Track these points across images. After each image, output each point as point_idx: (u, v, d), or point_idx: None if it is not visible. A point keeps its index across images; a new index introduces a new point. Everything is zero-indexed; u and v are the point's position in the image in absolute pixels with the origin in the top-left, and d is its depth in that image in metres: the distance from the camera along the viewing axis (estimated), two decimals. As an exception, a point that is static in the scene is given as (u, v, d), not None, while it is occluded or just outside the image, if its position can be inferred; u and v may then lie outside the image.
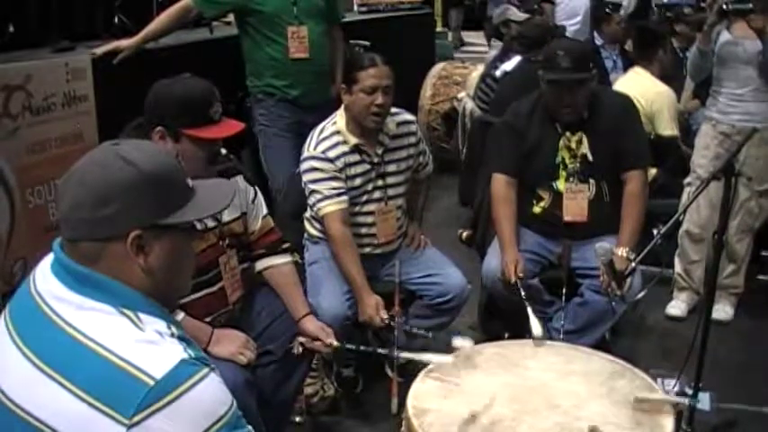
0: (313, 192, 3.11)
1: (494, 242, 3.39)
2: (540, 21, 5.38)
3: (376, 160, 3.19)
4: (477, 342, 2.58)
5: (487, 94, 4.99)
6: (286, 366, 2.69)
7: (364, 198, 3.21)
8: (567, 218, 3.33)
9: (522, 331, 3.13)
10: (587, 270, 3.22)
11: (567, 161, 3.32)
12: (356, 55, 3.28)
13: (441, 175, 5.16)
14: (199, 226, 2.35)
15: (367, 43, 5.65)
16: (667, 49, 4.85)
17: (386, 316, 2.98)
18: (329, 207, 3.08)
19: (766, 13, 3.66)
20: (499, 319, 3.65)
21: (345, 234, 3.10)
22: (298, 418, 3.14)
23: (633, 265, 2.84)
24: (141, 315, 1.41)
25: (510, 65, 4.84)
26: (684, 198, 4.08)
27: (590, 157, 3.30)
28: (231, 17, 4.41)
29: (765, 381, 3.50)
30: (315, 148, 3.12)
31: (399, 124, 3.25)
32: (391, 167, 3.24)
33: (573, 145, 3.31)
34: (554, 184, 3.34)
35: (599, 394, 2.19)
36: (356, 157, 3.15)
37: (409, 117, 3.35)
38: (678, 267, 4.24)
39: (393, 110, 3.21)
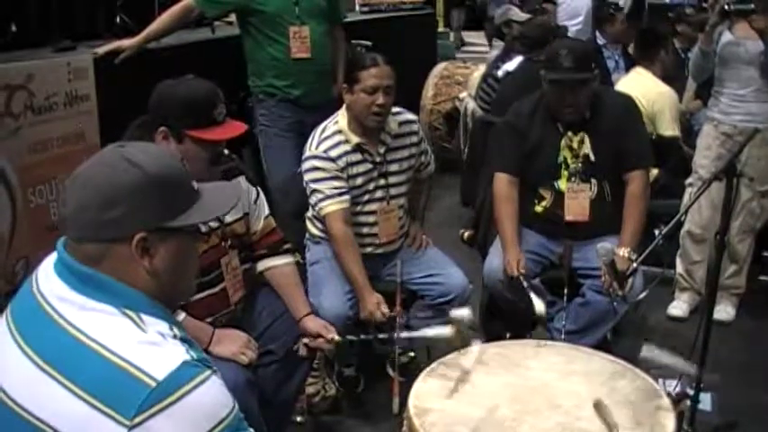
0: (315, 191, 3.11)
1: (495, 242, 3.39)
2: (542, 21, 5.37)
3: (378, 159, 3.19)
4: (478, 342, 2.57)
5: (489, 94, 4.99)
6: (287, 366, 2.69)
7: (366, 197, 3.21)
8: (568, 217, 3.33)
9: (523, 331, 3.14)
10: (589, 270, 3.22)
11: (569, 161, 3.32)
12: (358, 55, 3.29)
13: (442, 174, 5.16)
14: (203, 228, 2.36)
15: (369, 43, 5.66)
16: (669, 50, 4.86)
17: (387, 311, 2.98)
18: (331, 207, 3.09)
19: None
20: (500, 319, 3.64)
21: (347, 234, 3.10)
22: (299, 418, 3.14)
23: (635, 265, 2.84)
24: (143, 316, 1.41)
25: (512, 65, 4.84)
26: (686, 198, 4.08)
27: (592, 157, 3.30)
28: (233, 17, 4.41)
29: (767, 381, 3.50)
30: (317, 148, 3.13)
31: (401, 124, 3.25)
32: (393, 167, 3.24)
33: (575, 145, 3.31)
34: (556, 184, 3.34)
35: (600, 394, 2.19)
36: (358, 157, 3.15)
37: (411, 117, 3.35)
38: (680, 268, 4.24)
39: (395, 109, 3.21)
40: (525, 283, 3.05)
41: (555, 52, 3.27)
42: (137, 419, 1.30)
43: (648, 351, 2.38)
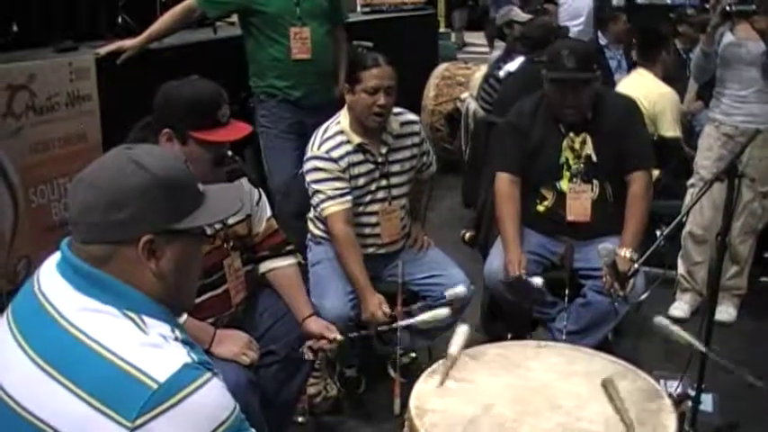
0: (316, 192, 3.11)
1: (496, 243, 3.39)
2: (543, 21, 5.37)
3: (380, 160, 3.19)
4: (479, 343, 2.58)
5: (490, 94, 4.99)
6: (289, 367, 2.69)
7: (368, 198, 3.21)
8: (570, 218, 3.33)
9: (524, 332, 3.14)
10: (590, 271, 3.22)
11: (571, 161, 3.32)
12: (359, 55, 3.28)
13: (444, 175, 5.17)
14: (209, 230, 2.36)
15: (370, 44, 5.65)
16: (670, 51, 4.86)
17: (388, 310, 2.99)
18: (333, 207, 3.09)
19: (769, 14, 3.66)
20: (501, 320, 3.65)
21: (349, 234, 3.11)
22: (300, 419, 3.14)
23: (636, 266, 2.84)
24: (145, 318, 1.41)
25: (513, 65, 4.84)
26: (687, 199, 4.08)
27: (594, 158, 3.30)
28: (235, 17, 4.42)
29: (768, 382, 3.50)
30: (318, 148, 3.13)
31: (403, 124, 3.25)
32: (395, 167, 3.24)
33: (577, 146, 3.31)
34: (557, 184, 3.34)
35: (601, 395, 2.19)
36: (360, 157, 3.15)
37: (413, 117, 3.35)
38: (681, 269, 4.24)
39: (396, 110, 3.21)
40: (525, 276, 3.05)
41: (557, 52, 3.27)
42: (138, 421, 1.30)
43: (660, 322, 2.39)
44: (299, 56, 4.15)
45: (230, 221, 2.58)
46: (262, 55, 4.19)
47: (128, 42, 3.97)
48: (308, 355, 2.69)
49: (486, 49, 9.24)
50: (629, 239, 3.19)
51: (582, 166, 3.31)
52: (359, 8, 7.54)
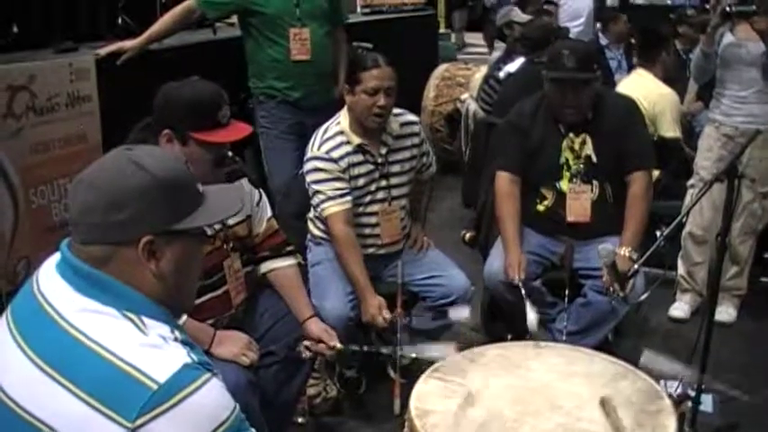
0: (316, 192, 3.11)
1: (496, 244, 3.40)
2: (543, 22, 5.38)
3: (380, 160, 3.19)
4: (479, 343, 2.58)
5: (490, 95, 4.99)
6: (289, 367, 2.69)
7: (368, 198, 3.21)
8: (570, 218, 3.34)
9: (524, 333, 3.14)
10: (590, 271, 3.22)
11: (571, 162, 3.32)
12: (359, 55, 3.28)
13: (444, 176, 5.17)
14: (209, 231, 2.36)
15: (370, 45, 5.65)
16: (670, 51, 4.86)
17: (388, 316, 2.99)
18: (333, 208, 3.09)
19: (769, 14, 3.66)
20: (501, 320, 3.65)
21: (349, 235, 3.11)
22: (300, 419, 3.14)
23: (636, 266, 2.84)
24: (145, 319, 1.42)
25: (513, 66, 4.84)
26: (687, 200, 4.08)
27: (594, 159, 3.30)
28: (235, 18, 4.42)
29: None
30: (319, 149, 3.13)
31: (403, 125, 3.25)
32: (395, 168, 3.25)
33: (576, 146, 3.31)
34: (557, 185, 3.34)
35: (601, 396, 2.19)
36: (360, 158, 3.15)
37: (413, 118, 3.35)
38: (681, 269, 4.24)
39: (396, 110, 3.21)
40: (524, 291, 3.04)
41: (557, 52, 3.27)
42: (138, 422, 1.30)
43: (648, 357, 2.38)
44: (299, 57, 4.15)
45: (230, 222, 2.58)
46: (261, 56, 4.19)
47: (128, 43, 3.97)
48: (305, 354, 2.69)
49: (487, 50, 9.26)
50: (628, 240, 3.19)
51: (582, 166, 3.31)
52: (359, 9, 7.54)
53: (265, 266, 2.79)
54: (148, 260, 1.43)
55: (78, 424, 1.32)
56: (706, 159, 4.04)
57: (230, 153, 2.56)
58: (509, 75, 4.84)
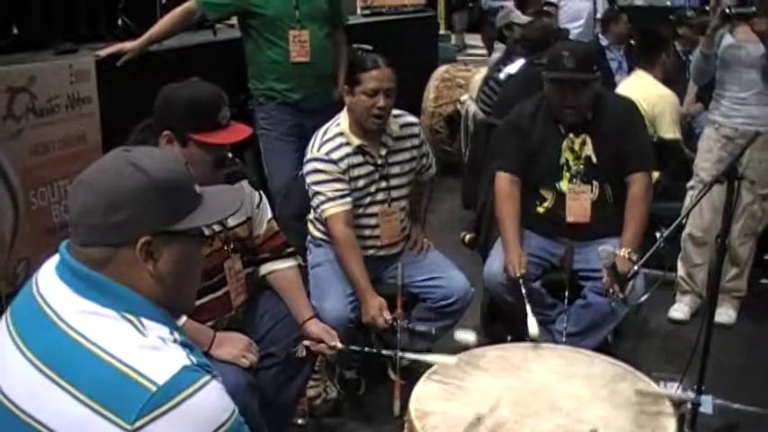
0: (316, 194, 3.11)
1: (496, 245, 3.40)
2: (543, 23, 5.38)
3: (379, 162, 3.19)
4: (479, 345, 2.58)
5: (490, 96, 5.00)
6: (288, 369, 2.69)
7: (368, 200, 3.21)
8: (569, 219, 3.34)
9: (524, 334, 3.14)
10: (590, 272, 3.22)
11: (571, 162, 3.32)
12: (359, 57, 3.28)
13: (443, 177, 5.17)
14: (207, 232, 2.36)
15: (369, 47, 5.66)
16: (670, 53, 4.86)
17: (389, 317, 2.99)
18: (333, 209, 3.09)
19: (769, 16, 3.67)
20: (501, 321, 3.65)
21: (349, 236, 3.11)
22: (300, 421, 3.14)
23: (636, 268, 2.84)
24: (144, 320, 1.42)
25: (513, 67, 4.84)
26: (687, 201, 4.08)
27: (594, 159, 3.31)
28: (235, 20, 4.42)
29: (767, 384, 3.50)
30: (318, 150, 3.13)
31: (402, 126, 3.25)
32: (395, 169, 3.25)
33: (576, 147, 3.31)
34: (557, 185, 3.35)
35: (601, 397, 2.19)
36: (360, 159, 3.15)
37: (412, 119, 3.36)
38: (681, 271, 4.24)
39: (396, 112, 3.22)
40: (524, 290, 3.04)
41: (557, 53, 3.28)
42: (137, 424, 1.30)
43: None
44: (298, 59, 4.15)
45: (231, 224, 2.58)
46: (261, 57, 4.20)
47: (127, 45, 3.97)
48: (303, 353, 2.69)
49: (486, 52, 9.26)
50: (628, 239, 3.19)
51: (582, 166, 3.32)
52: (359, 10, 7.54)
53: (265, 268, 2.79)
54: (146, 261, 1.43)
55: (77, 426, 1.32)
56: (706, 161, 4.04)
57: (230, 155, 2.56)
58: (509, 76, 4.85)
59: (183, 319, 2.33)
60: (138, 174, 1.43)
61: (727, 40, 3.89)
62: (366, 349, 2.89)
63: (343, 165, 3.11)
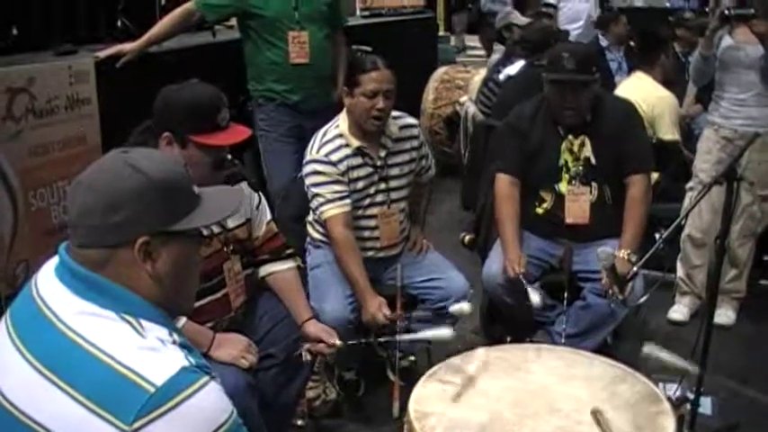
0: (316, 195, 3.11)
1: (495, 246, 3.40)
2: (543, 25, 5.38)
3: (379, 163, 3.20)
4: (479, 346, 2.58)
5: (489, 98, 5.00)
6: (288, 370, 2.69)
7: (367, 201, 3.21)
8: (568, 220, 3.34)
9: (523, 335, 3.15)
10: (589, 273, 3.22)
11: (570, 164, 3.33)
12: (358, 58, 3.29)
13: (443, 178, 5.17)
14: (205, 232, 2.36)
15: (369, 48, 5.66)
16: (669, 54, 4.86)
17: (389, 313, 2.99)
18: (332, 210, 3.09)
19: (768, 17, 3.67)
20: (501, 322, 3.65)
21: (348, 237, 3.11)
22: (299, 422, 3.14)
23: (635, 269, 2.84)
24: (143, 322, 1.42)
25: (513, 69, 4.85)
26: (686, 202, 4.08)
27: (593, 161, 3.31)
28: (234, 21, 4.42)
29: (767, 385, 3.50)
30: (318, 152, 3.13)
31: (402, 128, 3.25)
32: (394, 171, 3.25)
33: (575, 148, 3.31)
34: (556, 187, 3.35)
35: (600, 399, 2.19)
36: (359, 161, 3.15)
37: (412, 121, 3.36)
38: (680, 272, 4.24)
39: (395, 113, 3.22)
40: (524, 282, 3.05)
41: (557, 54, 3.29)
42: (136, 425, 1.30)
43: (650, 349, 2.38)
44: (298, 60, 4.15)
45: (230, 225, 2.58)
46: (260, 59, 4.20)
47: (127, 46, 3.97)
48: (307, 358, 2.69)
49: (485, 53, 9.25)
50: (628, 240, 3.19)
51: (581, 168, 3.32)
52: (358, 12, 7.54)
53: (265, 269, 2.79)
54: (145, 261, 1.44)
55: (76, 427, 1.32)
56: (705, 162, 4.05)
57: (229, 156, 2.56)
58: (509, 77, 4.85)
59: (183, 320, 2.33)
60: (137, 175, 1.43)
61: (727, 41, 3.90)
62: (364, 341, 2.90)
63: (342, 166, 3.11)
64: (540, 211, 3.41)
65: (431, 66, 7.31)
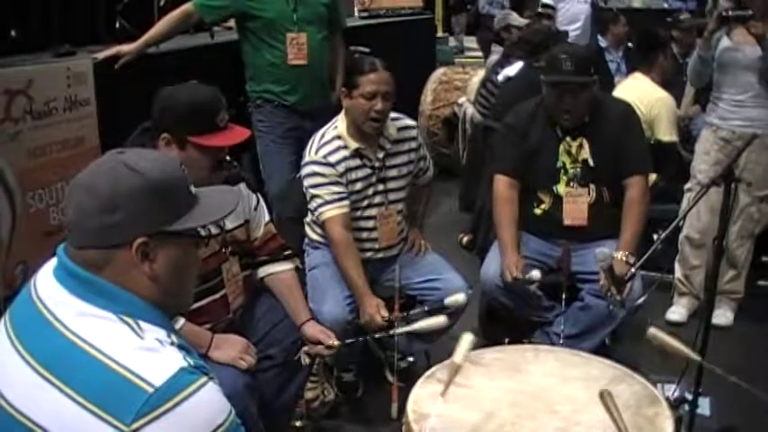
0: (314, 196, 3.11)
1: (493, 247, 3.40)
2: (542, 26, 5.38)
3: (377, 165, 3.20)
4: (477, 347, 2.58)
5: (488, 99, 5.00)
6: (286, 371, 2.69)
7: (365, 203, 3.21)
8: (567, 221, 3.35)
9: (521, 336, 3.15)
10: (587, 275, 3.23)
11: (568, 166, 3.33)
12: (357, 60, 3.29)
13: (441, 180, 5.16)
14: (203, 233, 2.36)
15: (367, 49, 5.66)
16: (668, 55, 4.87)
17: (386, 314, 2.99)
18: (330, 212, 3.09)
19: (766, 19, 3.67)
20: (499, 324, 3.65)
21: (347, 238, 3.11)
22: (298, 423, 3.14)
23: (633, 270, 2.85)
24: (142, 323, 1.42)
25: (512, 70, 4.84)
26: (684, 203, 4.08)
27: (591, 162, 3.31)
28: (232, 22, 4.42)
29: (766, 386, 3.50)
30: (316, 153, 3.13)
31: (400, 129, 3.25)
32: (392, 172, 3.25)
33: (573, 150, 3.32)
34: (555, 188, 3.36)
35: (599, 399, 2.19)
36: (357, 162, 3.15)
37: (410, 122, 3.36)
38: (678, 273, 4.24)
39: (394, 115, 3.22)
40: (523, 287, 3.06)
41: (556, 56, 3.29)
42: (135, 425, 1.31)
43: (654, 332, 2.38)
44: (296, 61, 4.15)
45: (228, 226, 2.58)
46: (258, 60, 4.20)
47: (125, 47, 3.97)
48: (306, 361, 2.70)
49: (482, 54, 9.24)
50: (626, 243, 3.19)
51: (579, 170, 3.32)
52: (356, 13, 7.54)
53: (263, 271, 2.79)
54: (142, 262, 1.44)
55: (75, 428, 1.32)
56: (703, 163, 4.05)
57: (228, 157, 2.56)
58: (508, 78, 4.85)
59: (181, 321, 2.34)
60: (134, 175, 1.43)
61: (725, 42, 3.90)
62: (361, 338, 2.90)
63: (340, 168, 3.11)
64: (538, 212, 3.41)
65: (429, 67, 7.32)
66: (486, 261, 3.38)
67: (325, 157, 3.11)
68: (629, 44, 6.28)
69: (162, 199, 1.45)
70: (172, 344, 1.43)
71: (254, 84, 4.27)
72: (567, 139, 3.32)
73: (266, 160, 4.30)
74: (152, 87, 2.46)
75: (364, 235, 3.25)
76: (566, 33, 6.14)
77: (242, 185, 2.65)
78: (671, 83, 4.80)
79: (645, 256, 2.76)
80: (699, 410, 2.69)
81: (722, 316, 4.09)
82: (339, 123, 3.19)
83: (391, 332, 2.87)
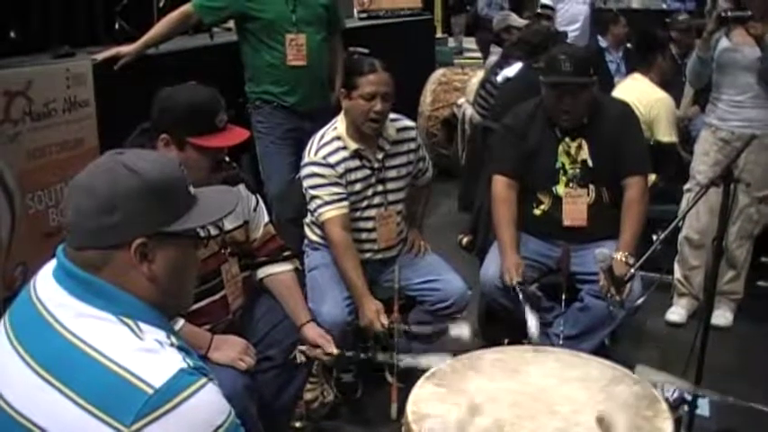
0: (314, 197, 3.11)
1: (492, 248, 3.40)
2: (541, 26, 5.39)
3: (376, 166, 3.20)
4: (477, 347, 2.58)
5: (487, 100, 5.00)
6: (286, 372, 2.69)
7: (364, 203, 3.21)
8: (566, 222, 3.35)
9: (521, 337, 3.14)
10: (587, 275, 3.22)
11: (567, 166, 3.33)
12: (356, 61, 3.29)
13: (440, 180, 5.16)
14: (202, 233, 2.36)
15: (366, 50, 5.66)
16: (667, 56, 4.87)
17: (386, 321, 2.98)
18: (330, 212, 3.09)
19: (765, 20, 3.68)
20: (498, 324, 3.65)
21: (346, 239, 3.11)
22: (298, 424, 3.14)
23: (633, 270, 2.85)
24: (141, 324, 1.42)
25: (511, 71, 4.85)
26: (684, 204, 4.08)
27: (590, 163, 3.31)
28: (232, 23, 4.42)
29: (765, 386, 3.50)
30: (315, 154, 3.13)
31: (399, 130, 3.26)
32: (391, 173, 3.25)
33: (572, 151, 3.32)
34: (554, 189, 3.36)
35: (598, 400, 2.19)
36: (356, 163, 3.15)
37: (409, 123, 3.36)
38: (678, 273, 4.24)
39: (393, 116, 3.22)
40: (521, 296, 3.05)
41: (555, 56, 3.29)
42: (134, 426, 1.31)
43: (642, 370, 2.37)
44: (295, 62, 4.16)
45: (227, 227, 2.58)
46: (257, 61, 4.20)
47: (124, 48, 3.97)
48: (300, 359, 2.69)
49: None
50: (625, 244, 3.19)
51: (578, 170, 3.32)
52: (356, 14, 7.54)
53: (263, 272, 2.79)
54: (141, 262, 1.44)
55: (75, 429, 1.32)
56: (702, 164, 4.05)
57: (227, 158, 2.56)
58: (507, 79, 4.85)
59: (181, 322, 2.34)
60: (132, 175, 1.43)
61: (724, 43, 3.90)
62: (362, 355, 2.89)
63: (340, 169, 3.11)
64: (537, 212, 3.42)
65: (428, 68, 7.32)
66: (486, 262, 3.38)
67: (324, 157, 3.11)
68: (629, 45, 6.29)
69: (160, 199, 1.45)
70: (171, 345, 1.43)
71: (254, 85, 4.27)
72: (567, 139, 3.32)
73: (265, 161, 4.30)
74: (151, 88, 2.46)
75: (363, 236, 3.25)
76: (565, 34, 6.14)
77: (241, 186, 2.65)
78: (670, 83, 4.80)
79: (644, 257, 2.76)
80: (698, 411, 2.69)
81: (722, 317, 4.09)
82: (338, 124, 3.19)
83: (393, 360, 2.82)
